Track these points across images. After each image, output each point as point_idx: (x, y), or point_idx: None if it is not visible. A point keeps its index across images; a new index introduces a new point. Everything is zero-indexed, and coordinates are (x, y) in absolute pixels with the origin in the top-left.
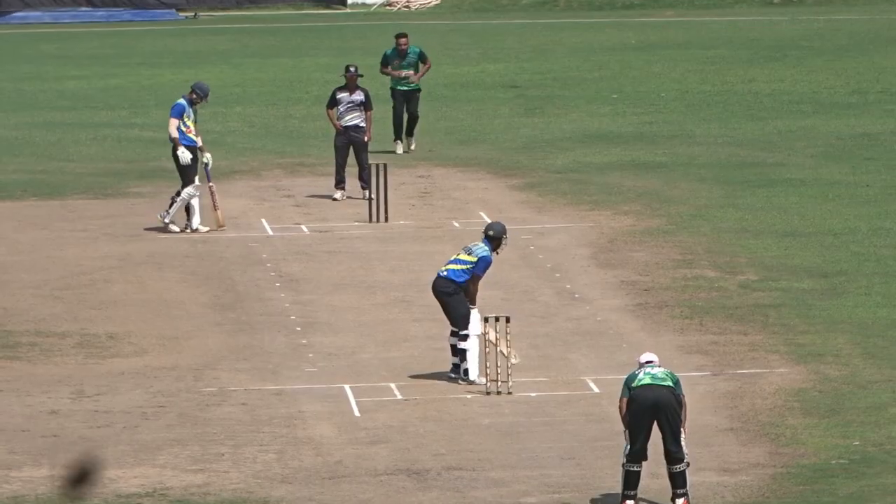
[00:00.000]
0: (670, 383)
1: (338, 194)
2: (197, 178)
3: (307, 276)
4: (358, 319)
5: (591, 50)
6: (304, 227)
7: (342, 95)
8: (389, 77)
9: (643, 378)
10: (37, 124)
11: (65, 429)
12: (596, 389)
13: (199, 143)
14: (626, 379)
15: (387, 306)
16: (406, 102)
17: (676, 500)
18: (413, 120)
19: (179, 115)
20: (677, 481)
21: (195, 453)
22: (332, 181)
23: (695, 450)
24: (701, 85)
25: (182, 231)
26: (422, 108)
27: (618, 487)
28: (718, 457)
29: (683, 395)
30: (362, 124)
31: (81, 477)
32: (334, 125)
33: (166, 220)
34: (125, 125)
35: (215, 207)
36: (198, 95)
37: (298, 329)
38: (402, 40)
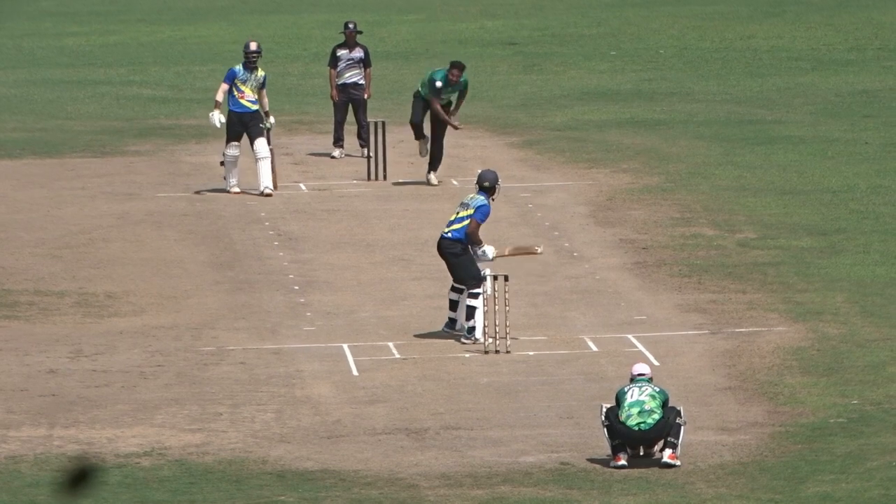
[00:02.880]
0: (658, 416)
1: (336, 152)
2: (235, 142)
3: (306, 234)
4: (356, 278)
5: (589, 6)
6: (302, 186)
7: (342, 52)
8: (429, 89)
9: (631, 413)
10: (35, 82)
11: (63, 388)
12: (594, 348)
13: (255, 109)
14: (617, 395)
15: (385, 265)
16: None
17: (665, 449)
18: (434, 153)
19: (229, 80)
20: (672, 431)
21: (193, 413)
22: (331, 139)
23: (693, 409)
24: (700, 41)
25: (237, 191)
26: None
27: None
28: (717, 416)
29: (680, 410)
30: (361, 82)
31: (79, 478)
32: (331, 87)
33: (229, 188)
34: (124, 83)
35: (272, 170)
36: (244, 56)
37: (297, 288)
38: (455, 72)
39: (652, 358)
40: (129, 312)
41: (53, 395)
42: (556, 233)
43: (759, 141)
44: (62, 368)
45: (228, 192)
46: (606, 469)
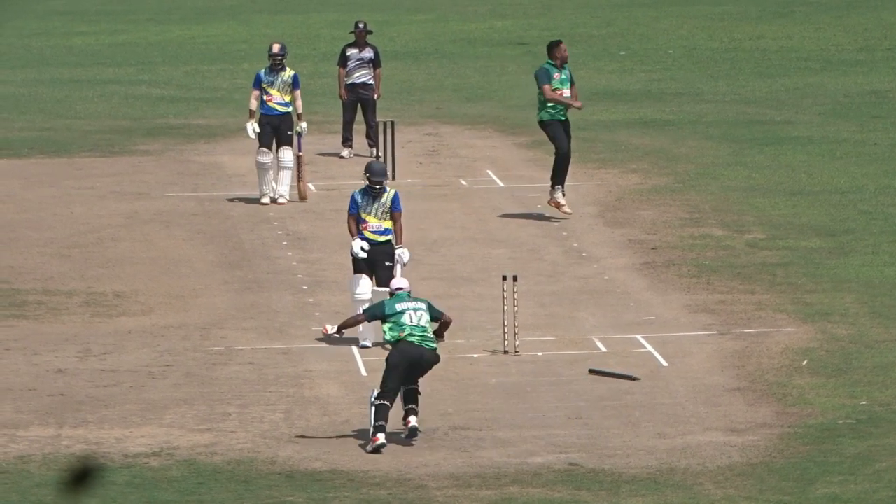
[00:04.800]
0: (432, 344)
1: (345, 152)
2: (265, 147)
3: (314, 234)
4: None
5: (598, 6)
6: (311, 185)
7: (352, 52)
8: (545, 103)
9: (409, 330)
10: (44, 81)
11: (71, 388)
12: (603, 349)
13: (285, 112)
14: (384, 307)
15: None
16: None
17: (408, 417)
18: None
19: (256, 85)
20: (410, 397)
21: (202, 413)
22: (340, 139)
23: (702, 409)
24: (709, 42)
25: (273, 201)
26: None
27: (625, 447)
28: (725, 416)
29: (443, 313)
30: (371, 82)
31: (82, 476)
32: (340, 86)
33: (259, 196)
34: (132, 82)
35: (299, 179)
36: (269, 59)
37: (305, 287)
38: (563, 47)
39: (661, 359)
40: (138, 312)
41: (62, 394)
42: (565, 233)
43: (768, 141)
44: (71, 368)
45: (259, 201)
46: (615, 470)
